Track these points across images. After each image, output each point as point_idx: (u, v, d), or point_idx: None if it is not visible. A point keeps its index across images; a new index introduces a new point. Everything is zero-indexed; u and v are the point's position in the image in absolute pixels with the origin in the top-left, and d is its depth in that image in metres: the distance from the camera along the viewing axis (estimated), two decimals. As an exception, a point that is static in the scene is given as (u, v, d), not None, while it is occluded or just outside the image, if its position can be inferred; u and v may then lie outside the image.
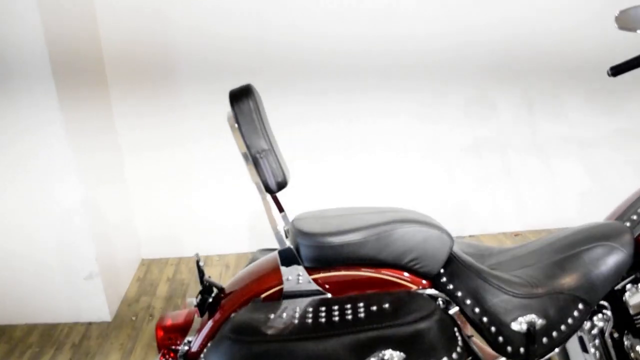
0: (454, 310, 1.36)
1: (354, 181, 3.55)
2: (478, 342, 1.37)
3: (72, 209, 2.84)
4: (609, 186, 3.58)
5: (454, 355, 1.18)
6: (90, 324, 3.04)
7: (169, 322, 1.61)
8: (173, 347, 1.58)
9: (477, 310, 1.33)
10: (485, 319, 1.32)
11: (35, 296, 3.02)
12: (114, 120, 3.40)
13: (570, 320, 1.34)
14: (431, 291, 1.38)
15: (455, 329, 1.27)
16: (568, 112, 3.51)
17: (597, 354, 1.43)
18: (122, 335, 2.92)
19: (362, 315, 1.23)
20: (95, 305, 3.05)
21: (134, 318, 3.06)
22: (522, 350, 1.30)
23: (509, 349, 1.31)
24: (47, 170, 2.77)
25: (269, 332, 1.22)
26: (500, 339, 1.31)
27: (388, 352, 1.18)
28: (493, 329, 1.31)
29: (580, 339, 1.42)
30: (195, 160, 3.51)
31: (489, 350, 1.37)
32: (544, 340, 1.31)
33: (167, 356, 1.53)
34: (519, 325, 1.31)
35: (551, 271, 1.42)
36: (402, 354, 1.17)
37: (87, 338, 2.92)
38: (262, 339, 1.20)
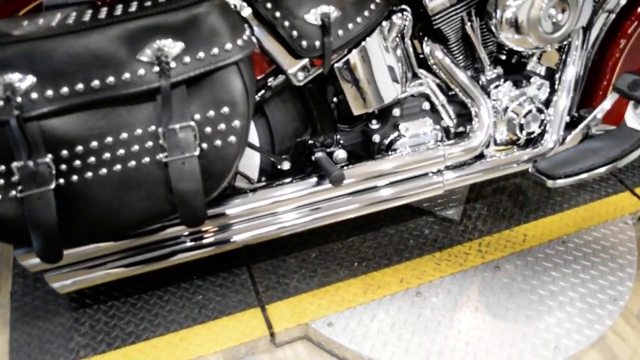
0: (247, 12, 1.23)
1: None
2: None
3: None
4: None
5: (239, 42, 1.08)
6: None
7: None
8: None
9: (269, 5, 1.21)
10: (278, 14, 1.21)
11: None
12: None
13: (366, 13, 1.28)
14: (223, -4, 1.23)
15: (248, 28, 1.15)
16: None
17: (395, 58, 1.41)
18: None
19: (133, 9, 1.06)
20: None
21: None
22: (317, 44, 1.23)
23: (304, 43, 1.23)
24: None
25: (17, 32, 1.01)
26: (295, 33, 1.22)
27: (166, 42, 1.04)
28: (287, 23, 1.22)
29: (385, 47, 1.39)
30: None
31: (287, 59, 1.29)
32: (340, 32, 1.25)
33: None
34: (313, 16, 1.22)
35: None
36: (180, 43, 1.04)
37: None
38: (6, 41, 0.99)
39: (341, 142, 1.48)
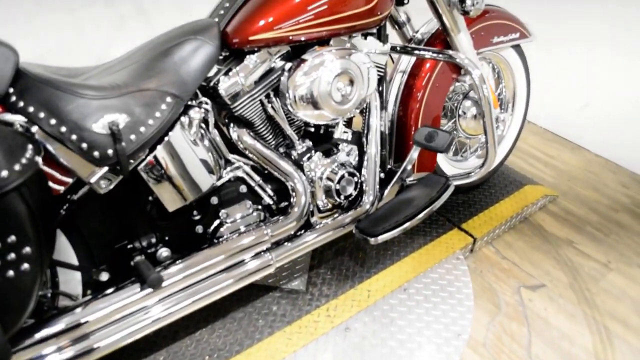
0: (35, 129, 1.20)
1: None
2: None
3: None
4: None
5: (17, 167, 1.04)
6: None
7: None
8: None
9: (52, 121, 1.19)
10: (63, 129, 1.19)
11: None
12: None
13: (157, 114, 1.30)
14: (6, 116, 1.19)
15: (31, 148, 1.12)
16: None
17: (204, 148, 1.44)
18: None
19: None
20: None
21: None
22: (110, 152, 1.23)
23: (97, 154, 1.22)
24: None
25: None
26: (84, 145, 1.21)
27: None
28: (74, 137, 1.20)
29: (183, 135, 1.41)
30: None
31: (86, 170, 1.27)
32: (132, 137, 1.26)
33: None
34: (101, 126, 1.22)
35: (139, 71, 1.35)
36: None
37: None
38: None
39: (166, 238, 1.46)
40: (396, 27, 1.99)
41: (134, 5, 3.34)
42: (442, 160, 2.12)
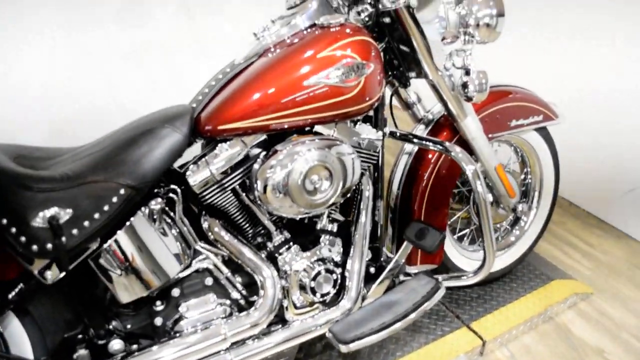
0: None
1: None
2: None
3: None
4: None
5: None
6: None
7: None
8: None
9: (-6, 214, 1.17)
10: (4, 222, 1.17)
11: None
12: None
13: (106, 207, 1.25)
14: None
15: None
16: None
17: (165, 239, 1.39)
18: None
19: None
20: None
21: None
22: (49, 246, 1.19)
23: (35, 247, 1.18)
24: None
25: None
26: (23, 239, 1.18)
27: None
28: (14, 230, 1.17)
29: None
30: None
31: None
32: (74, 231, 1.21)
33: None
34: (40, 221, 1.19)
35: (99, 161, 1.32)
36: None
37: None
38: None
39: (120, 329, 1.40)
40: (406, 107, 1.88)
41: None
42: (453, 250, 1.96)
